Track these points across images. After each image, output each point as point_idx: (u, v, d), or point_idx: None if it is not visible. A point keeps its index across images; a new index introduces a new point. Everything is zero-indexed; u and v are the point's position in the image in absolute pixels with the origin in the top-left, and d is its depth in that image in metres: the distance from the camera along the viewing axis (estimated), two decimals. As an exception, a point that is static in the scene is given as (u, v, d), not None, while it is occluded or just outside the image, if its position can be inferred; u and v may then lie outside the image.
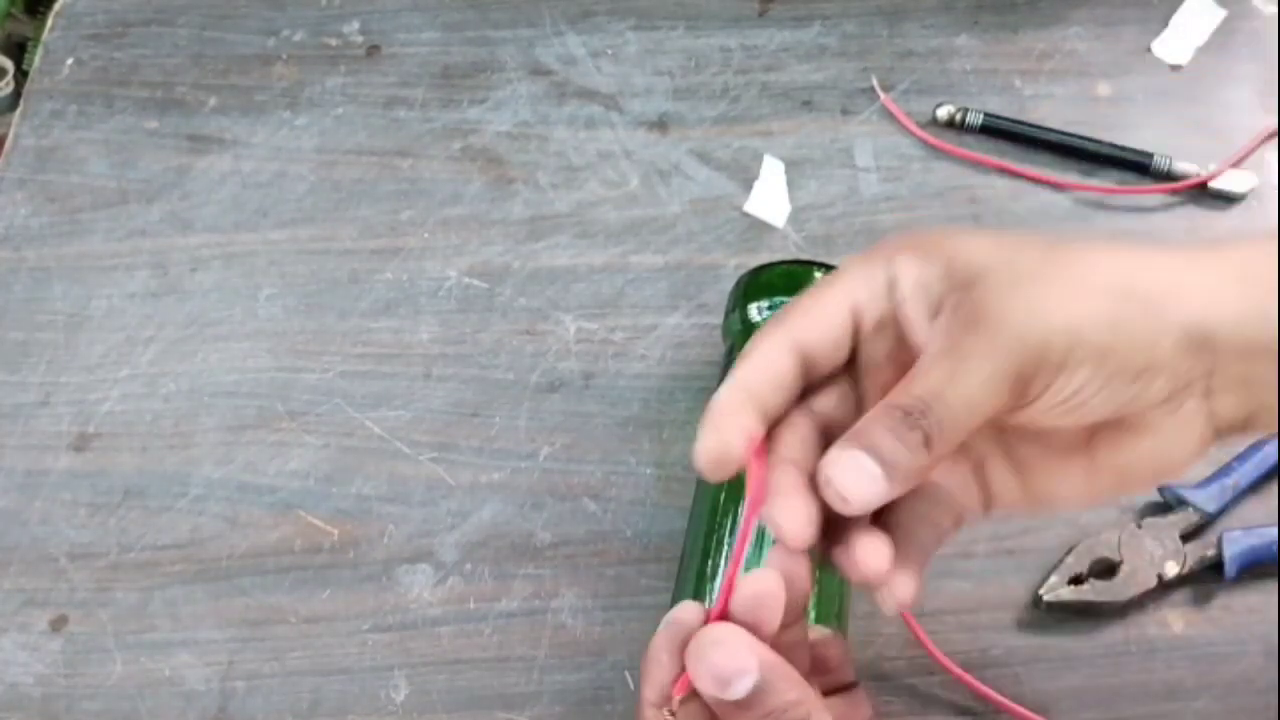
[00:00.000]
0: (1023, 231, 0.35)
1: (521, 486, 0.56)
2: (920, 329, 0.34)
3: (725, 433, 0.34)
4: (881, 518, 0.35)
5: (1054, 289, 0.33)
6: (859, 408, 0.36)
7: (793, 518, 0.32)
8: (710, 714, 0.31)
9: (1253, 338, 0.33)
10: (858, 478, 0.32)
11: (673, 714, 0.30)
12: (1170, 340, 0.32)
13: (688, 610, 0.33)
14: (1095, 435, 0.35)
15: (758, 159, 0.65)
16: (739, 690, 0.30)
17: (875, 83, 0.67)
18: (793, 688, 0.31)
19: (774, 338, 0.35)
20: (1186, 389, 0.33)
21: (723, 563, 0.47)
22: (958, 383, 0.32)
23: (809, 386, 0.36)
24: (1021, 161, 0.64)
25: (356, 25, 0.72)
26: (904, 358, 0.35)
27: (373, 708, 0.51)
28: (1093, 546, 0.51)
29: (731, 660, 0.30)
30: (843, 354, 0.36)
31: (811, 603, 0.45)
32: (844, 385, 0.37)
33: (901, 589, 0.34)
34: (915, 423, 0.32)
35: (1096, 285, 0.33)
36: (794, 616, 0.34)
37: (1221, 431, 0.34)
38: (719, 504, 0.49)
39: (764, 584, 0.32)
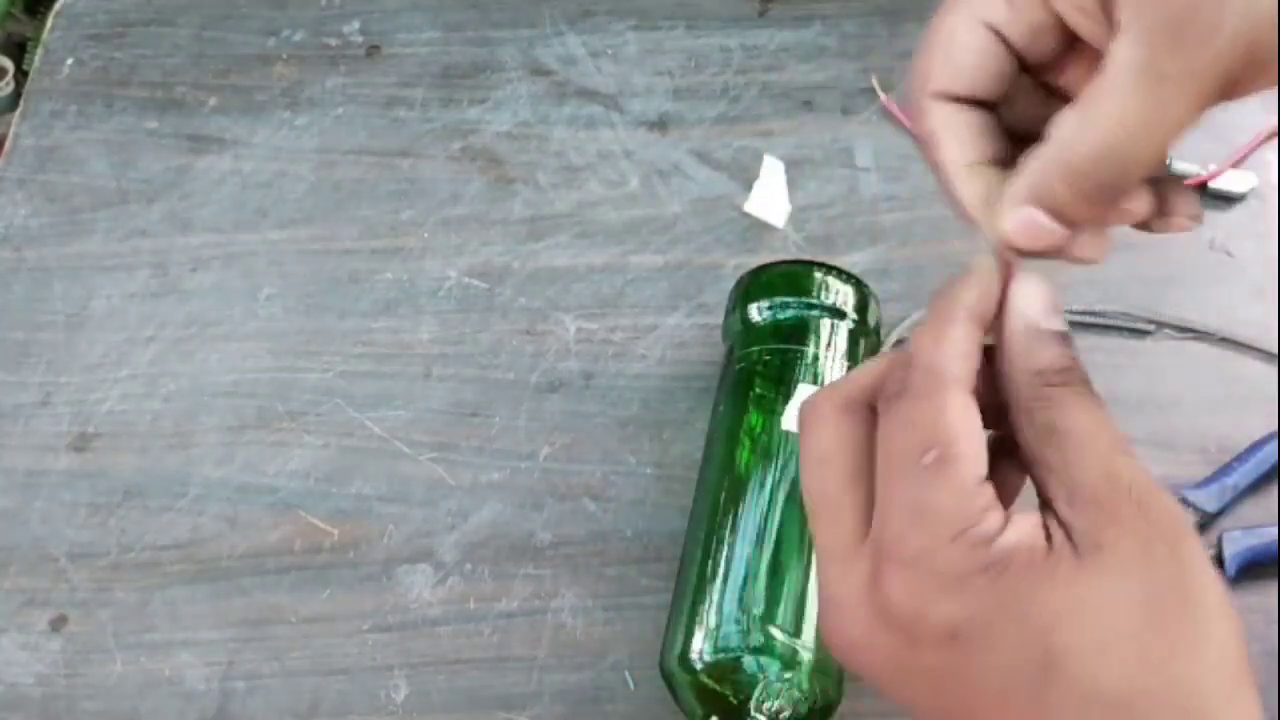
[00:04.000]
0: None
1: (521, 486, 0.56)
2: (1090, 27, 0.29)
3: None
4: None
5: None
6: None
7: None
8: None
9: None
10: (1034, 233, 0.29)
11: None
12: None
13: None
14: None
15: (758, 159, 0.65)
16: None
17: (875, 83, 0.67)
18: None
19: (920, 101, 0.30)
20: None
21: (738, 549, 0.46)
22: (1157, 110, 0.26)
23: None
24: (1021, 161, 0.64)
25: (356, 25, 0.72)
26: (1085, 53, 0.29)
27: (373, 708, 0.51)
28: (1093, 546, 0.51)
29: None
30: (1006, 79, 0.30)
31: (815, 607, 0.45)
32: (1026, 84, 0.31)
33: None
34: (1087, 183, 0.28)
35: None
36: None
37: None
38: (719, 504, 0.49)
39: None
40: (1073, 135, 0.28)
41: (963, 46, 0.30)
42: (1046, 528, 0.28)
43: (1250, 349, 0.58)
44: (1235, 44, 0.26)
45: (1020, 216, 0.29)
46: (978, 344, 0.29)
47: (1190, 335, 0.58)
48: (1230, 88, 0.27)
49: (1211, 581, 0.27)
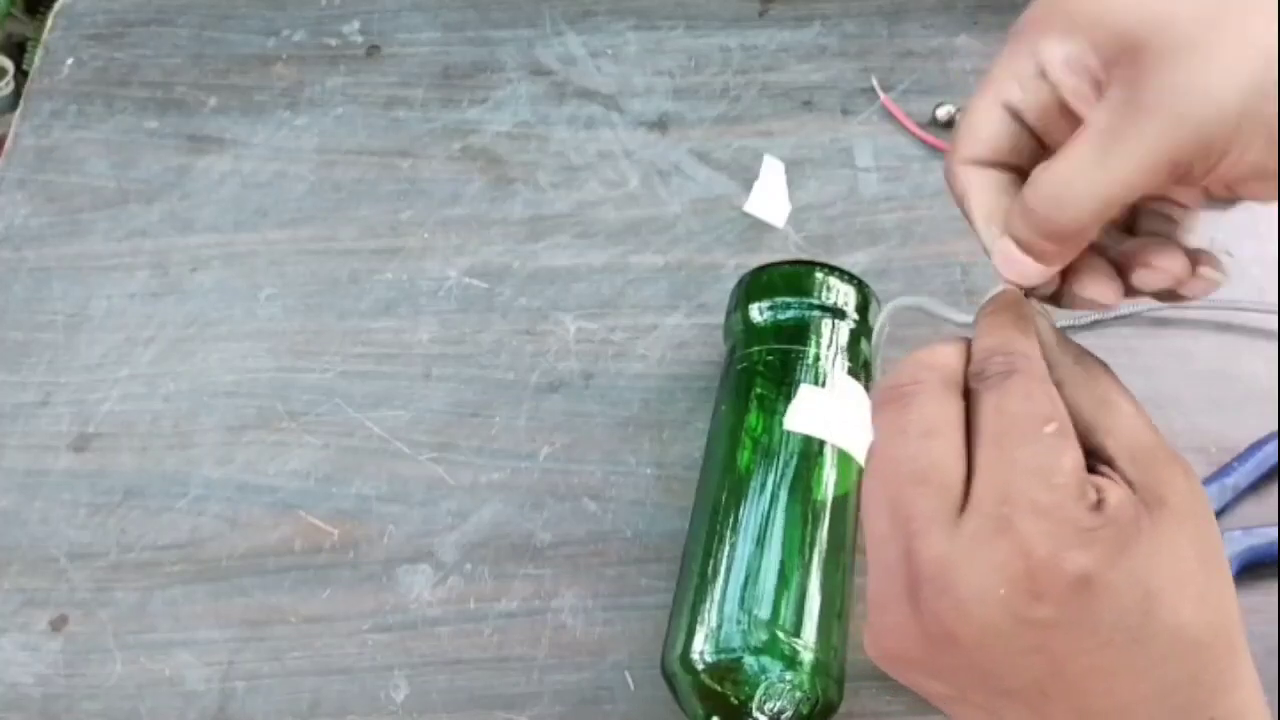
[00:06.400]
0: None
1: (521, 486, 0.56)
2: (1085, 108, 0.33)
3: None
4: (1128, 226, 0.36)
5: (1216, 58, 0.29)
6: None
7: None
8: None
9: None
10: (1017, 265, 0.33)
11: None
12: None
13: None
14: None
15: (758, 159, 0.65)
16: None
17: (875, 83, 0.67)
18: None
19: (952, 167, 0.35)
20: None
21: (739, 549, 0.46)
22: (1101, 167, 0.30)
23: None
24: (1021, 161, 0.64)
25: (356, 25, 0.72)
26: None
27: (373, 708, 0.51)
28: (1093, 546, 0.51)
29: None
30: (1025, 150, 0.35)
31: (816, 607, 0.45)
32: None
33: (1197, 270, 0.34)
34: (1032, 217, 0.32)
35: (1263, 46, 0.29)
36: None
37: None
38: (721, 504, 0.49)
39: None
40: (1034, 178, 0.32)
41: (984, 122, 0.35)
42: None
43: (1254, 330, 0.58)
44: (1186, 129, 0.29)
45: (999, 248, 0.33)
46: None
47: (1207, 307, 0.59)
48: (1182, 169, 0.30)
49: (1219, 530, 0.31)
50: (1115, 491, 0.30)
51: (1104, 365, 0.33)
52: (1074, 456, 0.30)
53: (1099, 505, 0.29)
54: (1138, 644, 0.29)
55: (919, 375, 0.33)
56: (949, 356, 0.33)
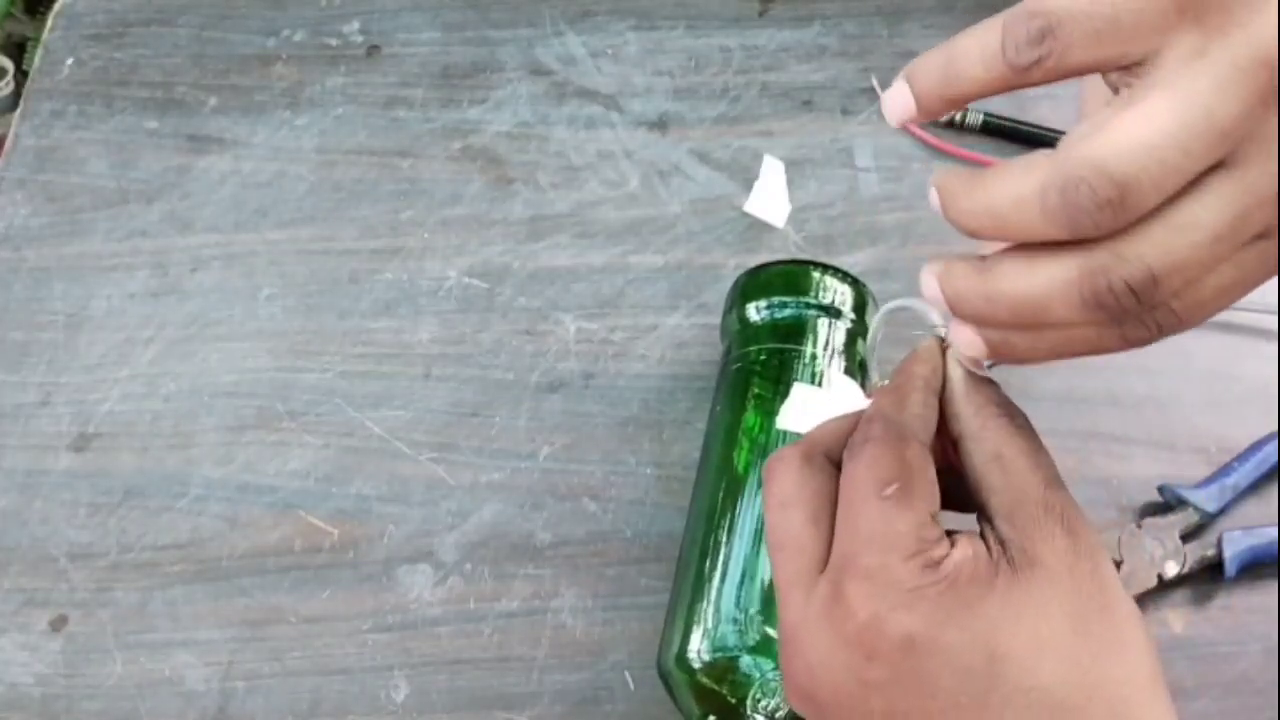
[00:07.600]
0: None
1: (521, 486, 0.56)
2: None
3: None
4: None
5: None
6: None
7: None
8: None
9: None
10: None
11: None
12: None
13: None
14: None
15: (758, 159, 0.65)
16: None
17: (875, 83, 0.67)
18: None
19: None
20: None
21: (735, 549, 0.47)
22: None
23: None
24: (1021, 161, 0.64)
25: (356, 25, 0.72)
26: None
27: (373, 708, 0.51)
28: (1093, 546, 0.51)
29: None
30: None
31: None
32: None
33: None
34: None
35: None
36: None
37: None
38: (718, 504, 0.48)
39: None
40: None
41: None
42: (985, 541, 0.31)
43: (1254, 330, 0.58)
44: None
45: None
46: (933, 409, 0.33)
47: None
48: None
49: (1126, 597, 0.30)
50: (960, 550, 0.30)
51: (1009, 416, 0.33)
52: (912, 518, 0.30)
53: (938, 565, 0.30)
54: (987, 707, 0.29)
55: (784, 453, 0.34)
56: (820, 433, 0.35)
